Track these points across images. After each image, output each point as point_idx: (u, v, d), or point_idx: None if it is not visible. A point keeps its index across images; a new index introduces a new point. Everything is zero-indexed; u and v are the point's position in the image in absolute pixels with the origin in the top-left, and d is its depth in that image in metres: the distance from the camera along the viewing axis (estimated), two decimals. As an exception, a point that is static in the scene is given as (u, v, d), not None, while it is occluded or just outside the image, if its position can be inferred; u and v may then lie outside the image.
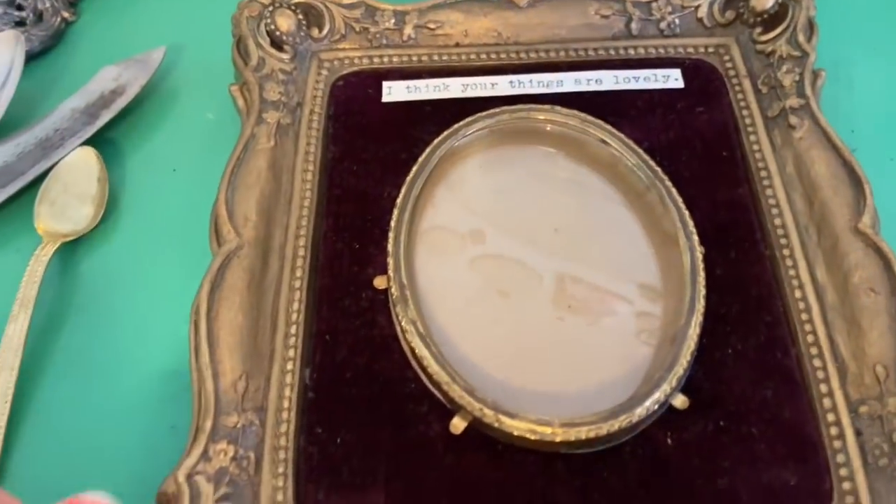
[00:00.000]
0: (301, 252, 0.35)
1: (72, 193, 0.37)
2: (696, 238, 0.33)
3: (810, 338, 0.32)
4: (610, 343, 0.32)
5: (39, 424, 0.32)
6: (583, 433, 0.29)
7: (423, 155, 0.36)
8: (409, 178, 0.36)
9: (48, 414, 0.32)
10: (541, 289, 0.34)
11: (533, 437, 0.29)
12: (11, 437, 0.31)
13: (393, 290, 0.32)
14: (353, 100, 0.40)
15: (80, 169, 0.37)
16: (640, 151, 0.36)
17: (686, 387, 0.31)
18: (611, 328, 0.33)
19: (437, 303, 0.34)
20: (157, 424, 0.31)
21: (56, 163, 0.37)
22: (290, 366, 0.32)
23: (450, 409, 0.31)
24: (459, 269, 0.35)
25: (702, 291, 0.31)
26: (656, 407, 0.29)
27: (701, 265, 0.32)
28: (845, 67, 0.42)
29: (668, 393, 0.30)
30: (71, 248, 0.36)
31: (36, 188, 0.37)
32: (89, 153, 0.38)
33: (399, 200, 0.35)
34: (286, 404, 0.31)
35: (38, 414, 0.32)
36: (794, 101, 0.37)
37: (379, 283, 0.34)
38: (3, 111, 0.38)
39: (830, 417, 0.30)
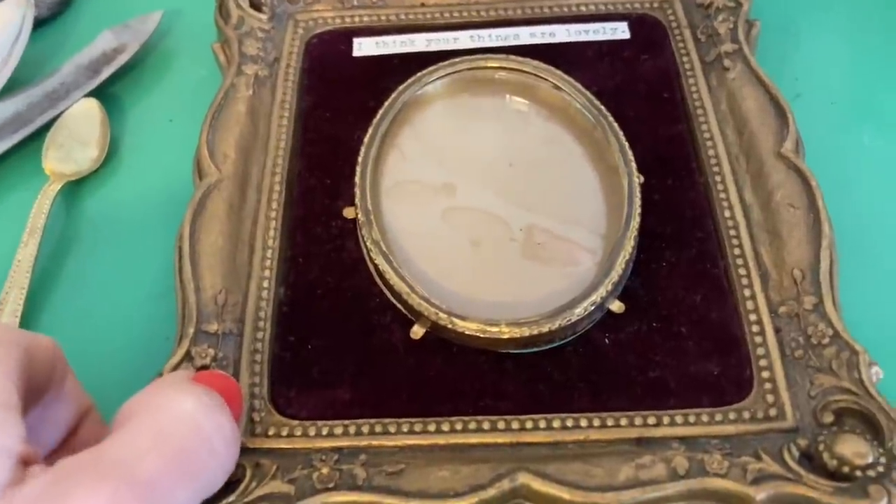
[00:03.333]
0: (276, 187, 0.38)
1: (76, 139, 0.41)
2: (634, 166, 0.36)
3: (737, 251, 0.35)
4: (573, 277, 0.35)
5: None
6: (527, 331, 0.32)
7: (389, 100, 0.40)
8: (375, 120, 0.39)
9: (54, 329, 0.35)
10: (510, 240, 0.36)
11: (483, 336, 0.32)
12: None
13: (360, 215, 0.36)
14: (327, 55, 0.43)
15: (84, 117, 0.41)
16: (588, 93, 0.39)
17: (623, 295, 0.34)
18: (573, 274, 0.35)
19: (400, 232, 0.37)
20: (153, 337, 0.35)
21: (62, 112, 0.42)
22: (265, 283, 0.35)
23: (410, 318, 0.34)
24: (428, 220, 0.37)
25: (637, 209, 0.35)
26: (593, 308, 0.32)
27: (637, 188, 0.35)
28: (793, 22, 0.46)
29: (605, 296, 0.33)
30: (75, 188, 0.40)
31: (44, 135, 0.41)
32: (92, 104, 0.42)
33: (366, 139, 0.38)
34: (262, 315, 0.34)
35: (45, 329, 0.35)
36: (728, 47, 0.40)
37: (348, 213, 0.38)
38: (13, 69, 0.42)
39: (753, 318, 0.33)
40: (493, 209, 0.37)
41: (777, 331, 0.32)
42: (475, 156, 0.39)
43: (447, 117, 0.41)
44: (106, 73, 0.42)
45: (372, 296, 0.35)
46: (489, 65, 0.40)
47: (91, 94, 0.42)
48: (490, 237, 0.36)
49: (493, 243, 0.36)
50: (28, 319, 0.36)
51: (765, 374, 0.31)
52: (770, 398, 0.31)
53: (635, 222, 0.34)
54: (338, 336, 0.34)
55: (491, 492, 0.28)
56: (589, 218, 0.37)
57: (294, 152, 0.39)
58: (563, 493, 0.28)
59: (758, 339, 0.32)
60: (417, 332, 0.34)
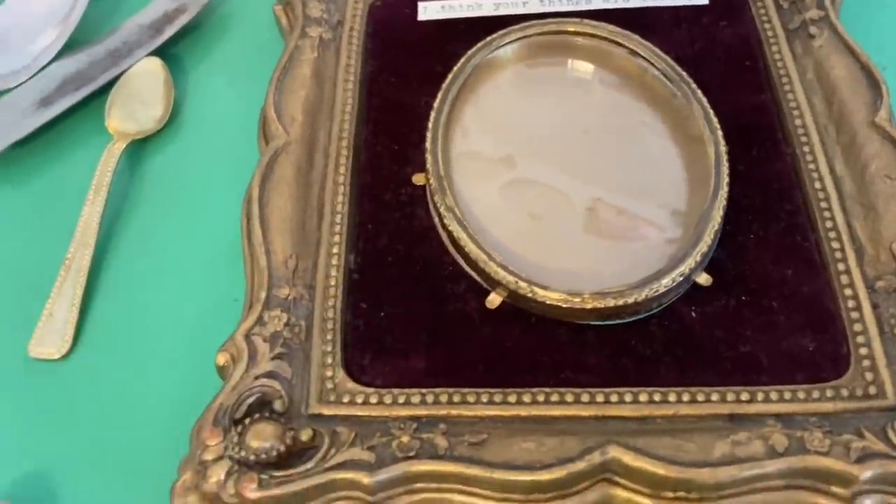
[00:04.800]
0: (344, 153, 0.37)
1: (139, 98, 0.40)
2: (720, 133, 0.34)
3: (829, 223, 0.33)
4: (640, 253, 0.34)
5: (112, 296, 0.35)
6: (611, 302, 0.31)
7: (458, 64, 0.38)
8: (444, 85, 0.38)
9: (120, 287, 0.35)
10: (572, 214, 0.35)
11: (565, 306, 0.31)
12: (87, 305, 0.34)
13: (432, 181, 0.35)
14: (391, 19, 0.42)
15: (147, 76, 0.41)
16: (669, 59, 0.37)
17: (710, 267, 0.32)
18: (641, 251, 0.34)
19: (472, 199, 0.35)
20: (220, 298, 0.34)
21: (125, 71, 0.41)
22: (335, 250, 0.34)
23: (485, 287, 0.33)
24: (488, 193, 0.36)
25: (725, 179, 0.33)
26: (681, 279, 0.31)
27: (725, 156, 0.34)
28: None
29: (693, 267, 0.31)
30: (139, 146, 0.40)
31: (106, 94, 0.41)
32: (156, 63, 0.41)
33: (436, 104, 0.37)
34: (333, 283, 0.33)
35: (110, 287, 0.35)
36: (813, 14, 0.39)
37: (417, 179, 0.36)
38: (74, 27, 0.41)
39: (848, 292, 0.31)
40: (555, 182, 0.36)
41: (875, 307, 0.31)
42: (539, 127, 0.38)
43: (514, 85, 0.40)
44: (168, 33, 0.42)
45: (444, 264, 0.34)
46: (564, 29, 0.39)
47: (153, 53, 0.42)
48: (552, 211, 0.35)
49: (556, 218, 0.35)
50: (94, 279, 0.35)
51: (863, 351, 0.30)
52: (869, 375, 0.29)
53: (724, 191, 0.33)
54: (410, 304, 0.33)
55: (580, 465, 0.27)
56: (660, 192, 0.35)
57: (360, 118, 0.38)
58: (658, 469, 0.27)
59: (854, 315, 0.31)
60: (494, 301, 0.32)
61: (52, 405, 0.32)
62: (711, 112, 0.35)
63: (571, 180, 0.36)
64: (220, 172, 0.39)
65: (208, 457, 0.27)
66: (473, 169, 0.37)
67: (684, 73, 0.37)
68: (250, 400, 0.29)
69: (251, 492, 0.26)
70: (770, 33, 0.39)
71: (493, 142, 0.37)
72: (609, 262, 0.33)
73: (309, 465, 0.27)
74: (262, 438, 0.27)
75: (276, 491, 0.26)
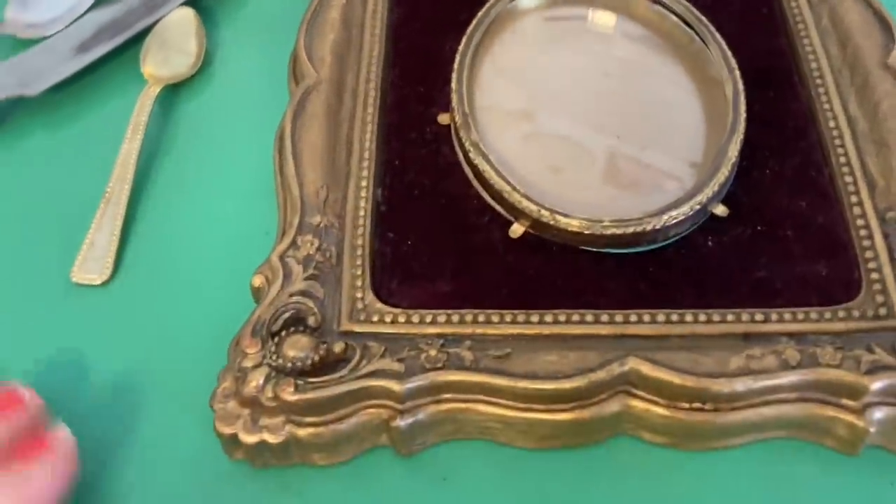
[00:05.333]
0: (371, 94, 0.38)
1: (173, 46, 0.42)
2: (737, 73, 0.35)
3: (842, 159, 0.34)
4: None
5: (149, 227, 0.36)
6: (630, 229, 0.32)
7: (482, 11, 0.39)
8: (468, 31, 0.39)
9: (157, 219, 0.37)
10: (591, 165, 0.36)
11: (586, 233, 0.32)
12: (126, 236, 0.36)
13: (457, 118, 0.36)
14: (416, -34, 0.44)
15: (180, 25, 0.42)
16: (686, 3, 0.38)
17: (726, 200, 0.34)
18: (658, 202, 0.34)
19: (494, 144, 0.37)
20: (252, 231, 0.35)
21: (159, 19, 0.42)
22: (364, 183, 0.35)
23: (508, 219, 0.34)
24: (511, 147, 0.37)
25: (742, 115, 0.34)
26: (698, 207, 0.32)
27: (742, 95, 0.35)
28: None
29: (710, 197, 0.32)
30: (172, 92, 0.41)
31: (140, 42, 0.42)
32: (188, 11, 0.43)
33: (461, 47, 0.38)
34: (361, 213, 0.34)
35: (148, 219, 0.37)
36: (829, -38, 0.40)
37: (443, 119, 0.38)
38: None
39: (860, 223, 0.32)
40: (574, 134, 0.37)
41: (885, 236, 0.32)
42: (558, 77, 0.39)
43: (535, 34, 0.41)
44: (202, -17, 0.43)
45: (469, 197, 0.35)
46: (585, -25, 0.40)
47: (186, 3, 0.43)
48: (571, 163, 0.36)
49: (575, 169, 0.36)
50: (132, 212, 0.37)
51: (874, 276, 0.31)
52: (880, 298, 0.30)
53: (741, 126, 0.34)
54: (436, 234, 0.34)
55: (600, 375, 0.28)
56: (680, 143, 0.36)
57: (387, 61, 0.39)
58: (675, 378, 0.28)
59: (866, 244, 0.32)
60: (517, 230, 0.34)
61: (93, 327, 0.34)
62: (729, 53, 0.36)
63: (591, 132, 0.37)
64: (251, 115, 0.40)
65: (248, 364, 0.29)
66: (493, 122, 0.37)
67: (702, 17, 0.38)
68: (286, 315, 0.30)
69: (288, 395, 0.28)
70: (786, -19, 0.41)
71: (513, 95, 0.38)
72: (626, 210, 0.34)
73: (342, 372, 0.28)
74: (298, 348, 0.29)
75: (311, 395, 0.28)
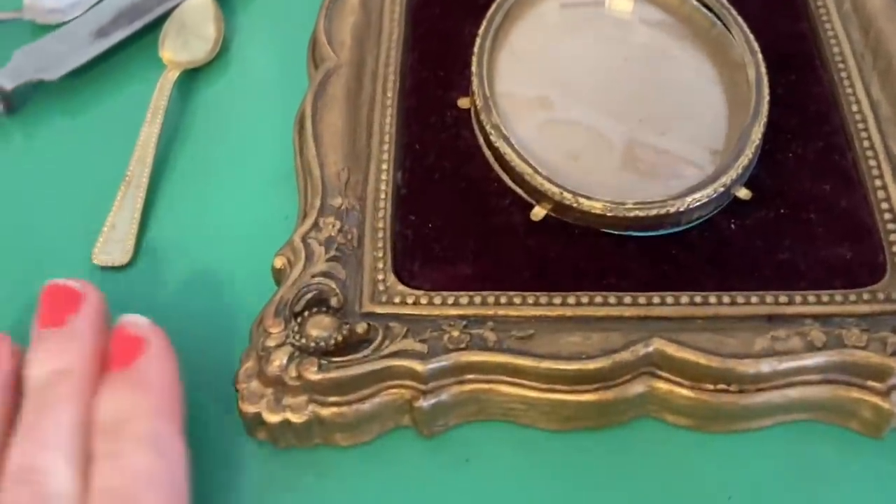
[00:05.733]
0: (391, 77, 0.38)
1: (191, 31, 0.42)
2: (760, 56, 0.35)
3: (866, 143, 0.34)
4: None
5: (169, 211, 0.36)
6: (654, 211, 0.32)
7: (502, -6, 0.40)
8: (488, 15, 0.38)
9: (176, 203, 0.37)
10: (610, 153, 0.36)
11: (609, 215, 0.32)
12: (146, 219, 0.36)
13: (478, 101, 0.36)
14: (436, -49, 0.43)
15: (199, 9, 0.42)
16: (705, -15, 0.38)
17: (749, 184, 0.33)
18: (677, 188, 0.33)
19: (514, 125, 0.36)
20: (272, 216, 0.35)
21: (178, 4, 0.42)
22: (384, 166, 0.35)
23: (529, 202, 0.34)
24: (529, 134, 0.37)
25: (766, 98, 0.34)
26: (722, 190, 0.32)
27: (765, 77, 0.35)
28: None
29: (734, 179, 0.32)
30: (191, 76, 0.41)
31: (159, 27, 0.42)
32: (207, -3, 0.43)
33: (481, 31, 0.38)
34: (382, 196, 0.34)
35: (168, 203, 0.37)
36: (852, -54, 0.40)
37: (463, 103, 0.37)
38: None
39: (884, 206, 0.32)
40: (592, 121, 0.37)
41: (910, 220, 0.32)
42: (577, 66, 0.39)
43: (551, 22, 0.40)
44: (220, -32, 0.43)
45: (489, 181, 0.35)
46: (605, -41, 0.40)
47: (204, -12, 0.43)
48: (589, 150, 0.36)
49: (593, 156, 0.36)
50: (152, 195, 0.37)
51: (899, 260, 0.31)
52: (905, 281, 0.30)
53: (764, 109, 0.33)
54: (457, 218, 0.34)
55: (625, 356, 0.28)
56: (700, 130, 0.36)
57: (406, 45, 0.39)
58: (700, 359, 0.28)
59: (891, 227, 0.32)
60: (538, 213, 0.33)
61: (114, 309, 0.33)
62: (751, 36, 0.36)
63: (610, 119, 0.37)
64: (269, 99, 0.40)
65: (271, 343, 0.29)
66: (510, 110, 0.37)
67: (724, 1, 0.37)
68: (308, 296, 0.30)
69: (312, 374, 0.28)
70: (808, -34, 0.40)
71: (531, 82, 0.38)
72: (645, 197, 0.34)
73: (365, 352, 0.28)
74: (321, 328, 0.29)
75: (335, 374, 0.28)
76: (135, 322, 0.28)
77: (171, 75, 0.40)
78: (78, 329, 0.27)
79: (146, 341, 0.27)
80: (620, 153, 0.36)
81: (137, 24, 0.42)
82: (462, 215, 0.34)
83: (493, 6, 0.39)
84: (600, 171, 0.35)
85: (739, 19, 0.37)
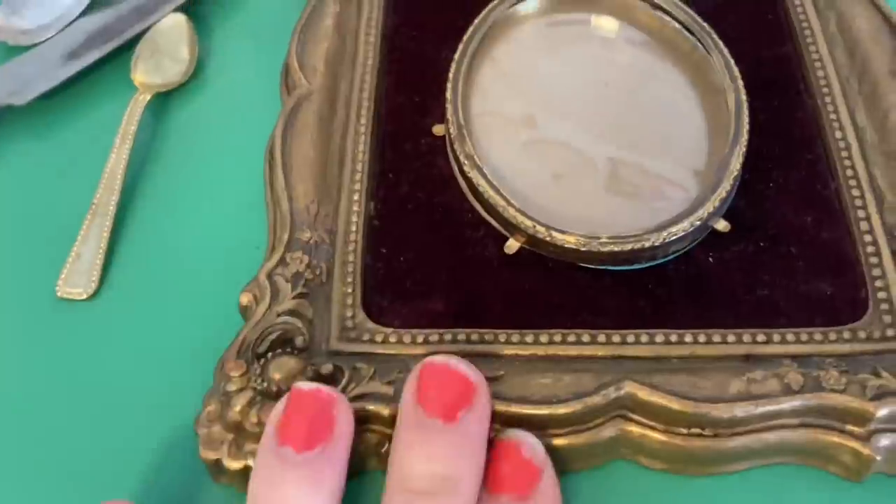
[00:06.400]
0: (365, 103, 0.37)
1: (164, 52, 0.41)
2: (740, 82, 0.34)
3: (849, 172, 0.33)
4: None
5: (137, 240, 0.36)
6: (629, 246, 0.31)
7: (480, 17, 0.38)
8: (465, 38, 0.38)
9: (145, 232, 0.36)
10: (593, 173, 0.35)
11: (583, 250, 0.31)
12: (113, 248, 0.35)
13: (452, 130, 0.35)
14: (412, -27, 0.43)
15: (172, 31, 0.41)
16: (688, 10, 0.37)
17: (728, 215, 0.33)
18: (662, 209, 0.33)
19: (492, 157, 0.35)
20: (242, 245, 0.34)
21: (150, 26, 0.42)
22: (356, 197, 0.34)
23: (504, 234, 0.33)
24: (509, 152, 0.36)
25: (745, 127, 0.33)
26: (699, 223, 0.31)
27: (745, 104, 0.34)
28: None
29: (711, 212, 0.31)
30: (163, 101, 0.40)
31: (131, 49, 0.41)
32: (180, 18, 0.42)
33: (457, 56, 0.37)
34: (353, 228, 0.33)
35: (136, 231, 0.36)
36: (837, -33, 0.39)
37: (438, 130, 0.37)
38: None
39: (867, 239, 0.31)
40: (576, 141, 0.36)
41: (894, 253, 0.31)
42: (560, 84, 0.38)
43: (535, 41, 0.40)
44: (193, -10, 0.42)
45: (463, 211, 0.34)
46: (585, -19, 0.39)
47: (178, 10, 0.42)
48: (573, 171, 0.35)
49: (576, 177, 0.35)
50: (119, 223, 0.36)
51: (881, 295, 0.30)
52: (887, 318, 0.29)
53: (743, 139, 0.33)
54: (430, 250, 0.33)
55: (596, 399, 0.27)
56: (683, 151, 0.35)
57: (381, 70, 0.39)
58: (672, 403, 0.27)
59: (873, 261, 0.31)
60: (512, 246, 0.33)
61: (78, 343, 0.33)
62: (732, 62, 0.35)
63: (593, 139, 0.36)
64: (242, 124, 0.39)
65: (232, 387, 0.28)
66: (493, 128, 0.36)
67: (706, 25, 0.36)
68: (273, 336, 0.29)
69: (273, 420, 0.27)
70: (793, -14, 0.40)
71: (514, 101, 0.37)
72: (630, 218, 0.33)
73: (329, 396, 0.28)
74: (285, 371, 0.28)
75: (297, 420, 0.27)
76: (532, 447, 0.26)
77: (143, 98, 0.39)
78: (471, 432, 0.25)
79: (543, 472, 0.25)
80: (604, 173, 0.35)
81: (110, 46, 0.41)
82: (435, 248, 0.33)
83: (470, 29, 0.38)
84: (583, 192, 0.35)
85: (720, 44, 0.36)
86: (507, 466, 0.25)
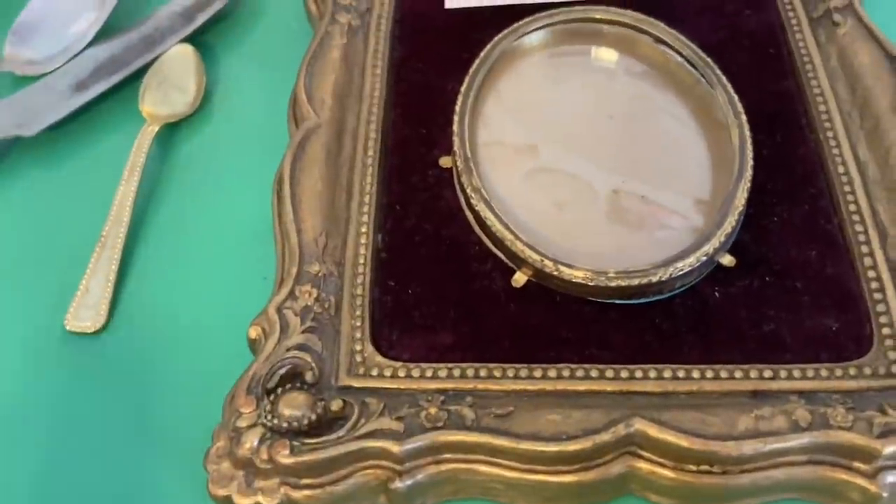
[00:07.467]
0: (372, 135, 0.38)
1: (172, 83, 0.41)
2: (744, 118, 0.35)
3: (852, 207, 0.33)
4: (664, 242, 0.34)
5: (146, 272, 0.36)
6: (636, 281, 0.31)
7: (486, 49, 0.39)
8: (472, 70, 0.38)
9: (153, 264, 0.36)
10: (595, 203, 0.35)
11: (590, 285, 0.31)
12: (121, 281, 0.35)
13: (459, 163, 0.35)
14: (418, 6, 0.43)
15: (179, 62, 0.42)
16: (693, 45, 0.37)
17: (733, 249, 0.33)
18: (665, 239, 0.34)
19: (497, 187, 0.36)
20: (250, 276, 0.35)
21: (158, 56, 0.42)
22: (364, 229, 0.34)
23: (511, 266, 0.33)
24: (513, 181, 0.36)
25: (749, 162, 0.33)
26: (705, 258, 0.31)
27: (749, 140, 0.34)
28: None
29: (717, 248, 0.32)
30: (171, 130, 0.41)
31: (139, 79, 0.42)
32: (188, 49, 0.42)
33: (463, 88, 0.37)
34: (361, 261, 0.34)
35: (144, 264, 0.36)
36: (837, 2, 0.39)
37: (445, 162, 0.37)
38: (110, 12, 0.43)
39: (871, 274, 0.32)
40: (579, 171, 0.36)
41: (898, 289, 0.31)
42: (564, 115, 0.38)
43: (539, 73, 0.40)
44: (200, 20, 0.43)
45: (471, 244, 0.34)
46: (590, 16, 0.39)
47: (185, 40, 0.43)
48: (576, 201, 0.35)
49: (579, 206, 0.35)
50: (128, 256, 0.36)
51: (885, 331, 0.30)
52: (892, 354, 0.30)
53: (748, 174, 0.33)
54: (437, 282, 0.33)
55: (605, 437, 0.27)
56: (684, 180, 0.35)
57: (388, 102, 0.39)
58: (682, 441, 0.27)
59: (877, 296, 0.31)
60: (519, 279, 0.33)
61: (86, 377, 0.33)
62: (736, 97, 0.35)
63: (596, 169, 0.36)
64: (250, 155, 0.39)
65: (242, 424, 0.28)
66: (498, 158, 0.37)
67: (709, 60, 0.37)
68: (282, 371, 0.29)
69: (284, 458, 0.27)
70: (794, 21, 0.40)
71: (518, 131, 0.37)
72: (633, 249, 0.34)
73: (340, 433, 0.28)
74: (294, 407, 0.28)
75: (307, 457, 0.27)
76: None
77: (150, 130, 0.40)
78: None
79: None
80: (606, 203, 0.35)
81: (117, 77, 0.42)
82: (442, 281, 0.33)
83: (477, 62, 0.39)
84: (586, 221, 0.35)
85: (723, 78, 0.36)
86: None
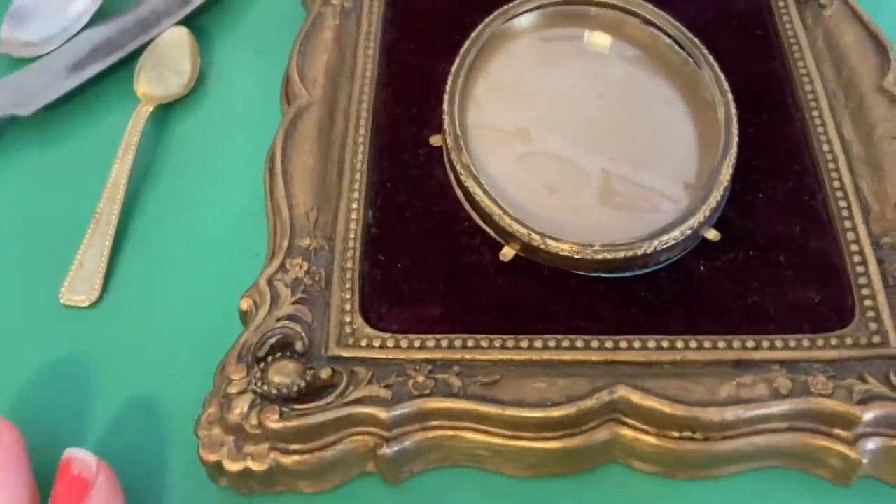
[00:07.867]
0: (364, 114, 0.38)
1: (167, 65, 0.42)
2: (730, 96, 0.35)
3: (836, 183, 0.34)
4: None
5: (139, 248, 0.36)
6: (621, 254, 0.31)
7: (476, 30, 0.39)
8: (462, 51, 0.39)
9: (146, 240, 0.37)
10: (587, 186, 0.36)
11: (576, 258, 0.32)
12: (115, 257, 0.36)
13: (448, 140, 0.36)
14: (410, -12, 0.44)
15: (174, 44, 0.42)
16: (680, 25, 0.38)
17: (719, 225, 0.33)
18: (654, 221, 0.34)
19: (489, 162, 0.36)
20: (242, 252, 0.35)
21: (153, 38, 0.42)
22: (354, 205, 0.35)
23: (499, 241, 0.34)
24: (506, 166, 0.37)
25: (735, 139, 0.34)
26: (689, 232, 0.32)
27: (734, 117, 0.35)
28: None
29: (702, 222, 0.32)
30: (165, 111, 0.41)
31: (135, 61, 0.42)
32: (183, 31, 0.43)
33: (454, 68, 0.38)
34: (352, 235, 0.34)
35: (138, 240, 0.37)
36: (824, -15, 0.40)
37: (435, 140, 0.37)
38: None
39: (854, 248, 0.32)
40: (569, 154, 0.37)
41: (880, 262, 0.32)
42: (553, 97, 0.39)
43: (529, 55, 0.40)
44: (195, 3, 0.43)
45: (460, 220, 0.35)
46: (578, -2, 0.40)
47: (180, 22, 0.43)
48: (567, 183, 0.36)
49: (570, 189, 0.36)
50: (122, 232, 0.36)
51: (867, 303, 0.31)
52: (873, 326, 0.30)
53: (733, 150, 0.33)
54: (427, 257, 0.34)
55: (589, 403, 0.28)
56: (674, 163, 0.36)
57: (380, 82, 0.39)
58: (664, 407, 0.27)
59: (859, 269, 0.32)
60: (507, 254, 0.33)
61: (81, 349, 0.34)
62: (722, 76, 0.36)
63: (586, 152, 0.37)
64: (243, 136, 0.40)
65: (232, 390, 0.28)
66: (489, 140, 0.37)
67: (696, 40, 0.37)
68: (272, 340, 0.30)
69: (273, 423, 0.27)
70: (781, 3, 0.40)
71: (509, 113, 0.38)
72: (622, 230, 0.34)
73: (328, 399, 0.28)
74: (284, 374, 0.28)
75: (296, 422, 0.28)
76: (82, 461, 0.27)
77: (145, 110, 0.40)
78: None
79: (92, 482, 0.27)
80: (596, 186, 0.36)
81: (113, 58, 0.42)
82: (432, 255, 0.34)
83: (467, 42, 0.39)
84: (576, 204, 0.36)
85: (710, 58, 0.37)
86: (60, 486, 0.27)
